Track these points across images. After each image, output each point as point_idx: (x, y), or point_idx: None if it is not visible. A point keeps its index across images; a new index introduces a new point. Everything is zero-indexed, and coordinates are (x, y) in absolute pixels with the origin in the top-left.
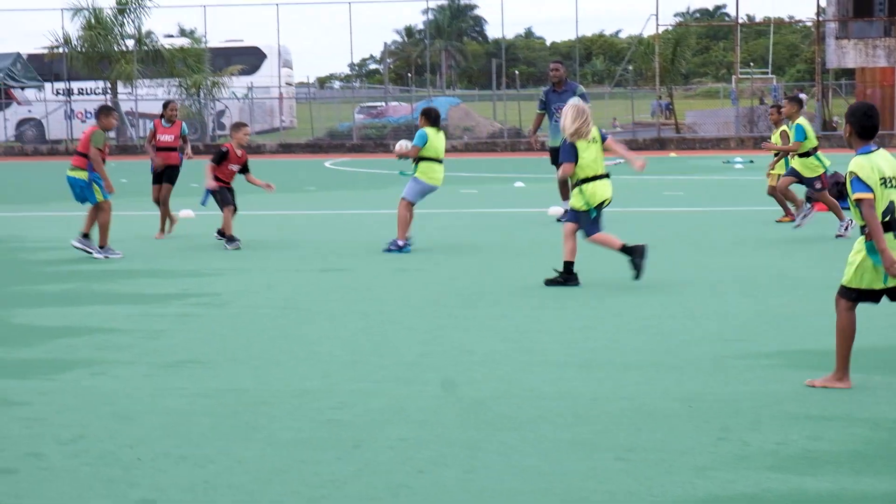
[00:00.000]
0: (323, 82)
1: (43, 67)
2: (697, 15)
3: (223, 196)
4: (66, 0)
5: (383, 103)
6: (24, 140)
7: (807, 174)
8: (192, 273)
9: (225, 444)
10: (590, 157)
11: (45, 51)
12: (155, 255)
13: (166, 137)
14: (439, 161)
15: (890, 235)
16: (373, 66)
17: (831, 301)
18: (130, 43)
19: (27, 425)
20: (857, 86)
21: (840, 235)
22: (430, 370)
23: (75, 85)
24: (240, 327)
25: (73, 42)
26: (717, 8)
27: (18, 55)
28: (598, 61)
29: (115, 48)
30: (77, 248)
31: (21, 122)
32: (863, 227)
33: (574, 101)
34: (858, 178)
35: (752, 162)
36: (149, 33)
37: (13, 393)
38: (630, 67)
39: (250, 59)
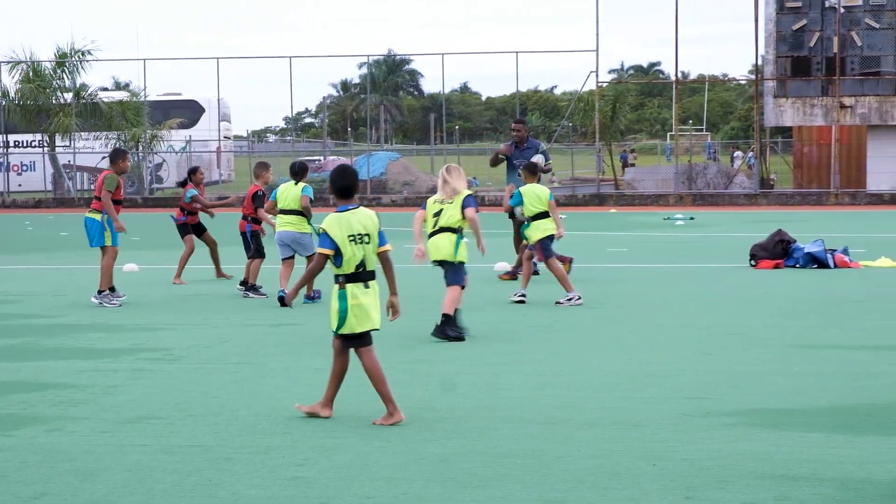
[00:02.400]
0: (260, 136)
1: None
2: (632, 72)
3: (259, 244)
4: (4, 53)
5: (322, 157)
6: None
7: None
8: (142, 327)
9: (189, 502)
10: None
11: None
12: (102, 309)
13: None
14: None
15: None
16: (308, 120)
17: (790, 360)
18: (68, 96)
19: None
20: (795, 144)
21: (559, 302)
22: (392, 426)
23: (12, 137)
24: (196, 382)
25: (11, 95)
26: (652, 65)
27: None
28: (534, 117)
29: (53, 101)
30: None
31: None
32: None
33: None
34: None
35: (692, 219)
36: (85, 86)
37: None
38: (568, 123)
39: (188, 112)
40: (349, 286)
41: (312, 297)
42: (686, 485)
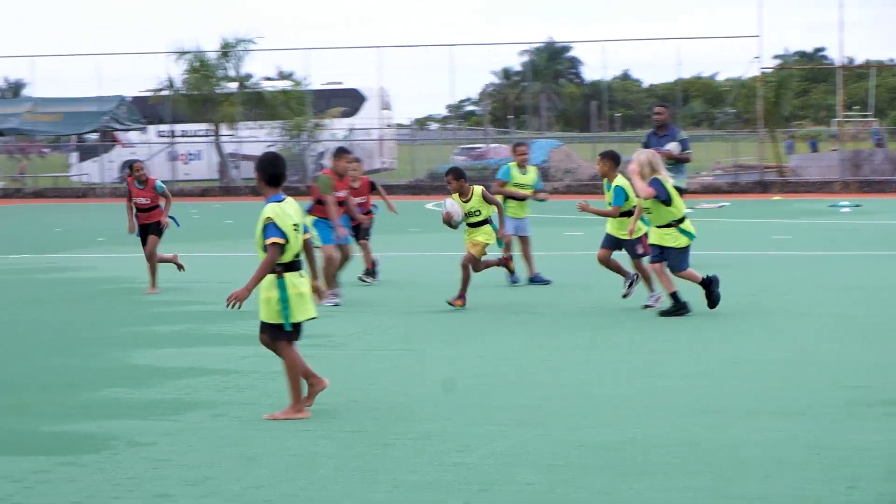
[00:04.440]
0: (421, 124)
1: (146, 110)
2: (796, 57)
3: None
4: (171, 43)
5: (483, 145)
6: None
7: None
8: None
9: (350, 487)
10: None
11: (149, 93)
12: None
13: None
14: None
15: None
16: (469, 108)
17: None
18: (233, 85)
19: (154, 466)
20: None
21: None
22: (552, 414)
23: (178, 127)
24: (357, 368)
25: (177, 85)
26: (817, 50)
27: (122, 98)
28: (696, 103)
29: (218, 91)
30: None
31: (125, 164)
32: None
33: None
34: None
35: (858, 206)
36: (249, 76)
37: (138, 433)
38: (731, 109)
39: (350, 100)
40: (287, 275)
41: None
42: (851, 475)
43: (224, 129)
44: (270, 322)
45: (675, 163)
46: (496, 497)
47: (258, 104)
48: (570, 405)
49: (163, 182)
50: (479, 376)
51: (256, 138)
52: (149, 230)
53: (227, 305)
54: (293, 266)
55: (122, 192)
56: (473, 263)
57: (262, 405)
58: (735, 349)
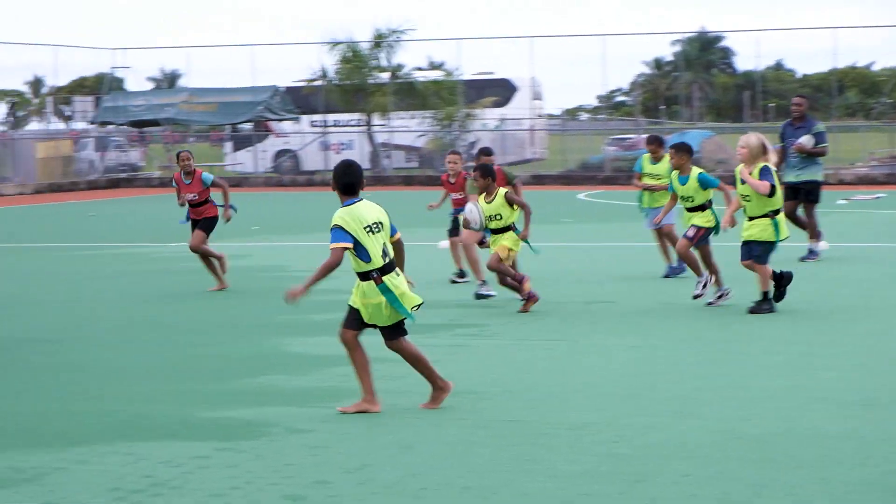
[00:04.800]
0: (572, 114)
1: (299, 100)
2: None
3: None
4: (324, 34)
5: (634, 136)
6: (281, 171)
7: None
8: (458, 303)
9: (506, 476)
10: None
11: (303, 84)
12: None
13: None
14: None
15: None
16: (620, 98)
17: None
18: (385, 76)
19: (313, 453)
20: None
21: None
22: (706, 405)
23: (331, 117)
24: (511, 358)
25: (330, 75)
26: None
27: (276, 88)
28: (852, 94)
29: (370, 81)
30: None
31: (278, 154)
32: None
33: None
34: None
35: None
36: (400, 66)
37: (296, 420)
38: (888, 100)
39: (501, 90)
40: (386, 278)
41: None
42: None
43: (376, 119)
44: (391, 325)
45: (809, 156)
46: (651, 488)
47: (410, 94)
48: (724, 397)
49: (273, 169)
50: (633, 367)
51: (408, 128)
52: (197, 225)
53: (287, 302)
54: (387, 269)
55: (275, 182)
56: (497, 268)
57: (418, 394)
58: (890, 343)
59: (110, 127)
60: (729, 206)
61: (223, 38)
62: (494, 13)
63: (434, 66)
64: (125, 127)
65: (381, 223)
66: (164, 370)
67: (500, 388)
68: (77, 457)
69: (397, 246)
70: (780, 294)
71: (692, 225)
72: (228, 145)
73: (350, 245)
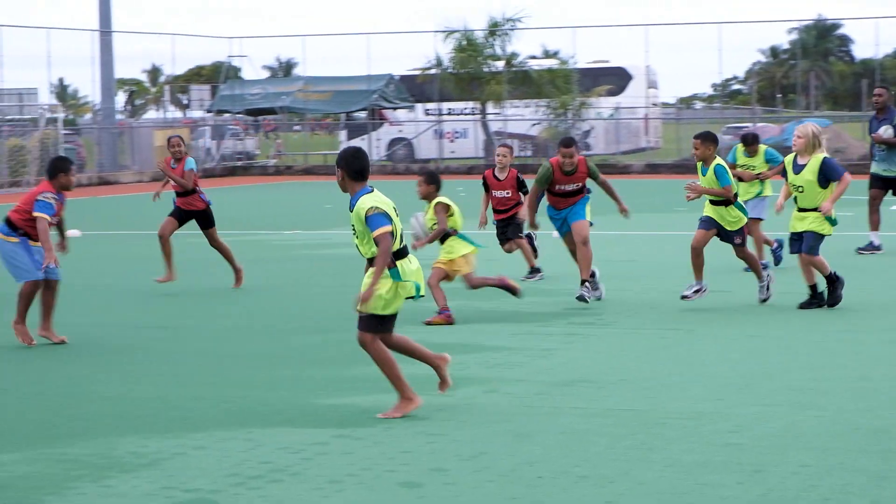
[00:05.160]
0: (687, 103)
1: (414, 88)
2: None
3: (501, 233)
4: (439, 23)
5: (750, 124)
6: (395, 159)
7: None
8: (570, 292)
9: (623, 465)
10: None
11: (417, 72)
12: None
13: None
14: None
15: None
16: (735, 87)
17: None
18: (499, 64)
19: (429, 440)
20: None
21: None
22: (823, 396)
23: (445, 105)
24: (627, 347)
25: (445, 64)
26: None
27: (391, 76)
28: None
29: (485, 69)
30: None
31: (392, 142)
32: None
33: None
34: None
35: None
36: (515, 54)
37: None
38: None
39: (616, 79)
40: (399, 263)
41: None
42: None
43: (490, 108)
44: (371, 314)
45: (889, 147)
46: (770, 478)
47: (524, 83)
48: (843, 387)
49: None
50: (749, 356)
51: (522, 117)
52: (198, 221)
53: (356, 311)
54: (401, 253)
55: (389, 170)
56: (476, 285)
57: (533, 382)
58: None
59: (226, 115)
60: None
61: (339, 27)
62: (609, 1)
63: (548, 55)
64: (241, 115)
65: (395, 208)
66: (281, 357)
67: (615, 377)
68: (196, 442)
69: None
70: (832, 297)
71: (738, 230)
72: (343, 133)
73: (391, 228)
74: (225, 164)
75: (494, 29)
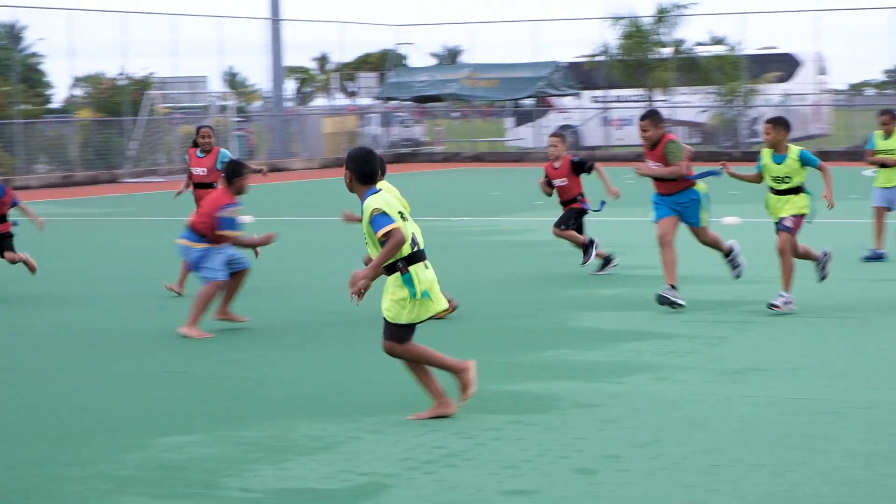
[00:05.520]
0: (857, 89)
1: (580, 75)
2: None
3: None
4: (606, 9)
5: None
6: None
7: None
8: (748, 280)
9: (800, 455)
10: None
11: (584, 59)
12: (700, 262)
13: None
14: None
15: None
16: None
17: None
18: (667, 51)
19: (601, 427)
20: None
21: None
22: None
23: (612, 92)
24: (801, 335)
25: (612, 50)
26: None
27: (557, 64)
28: None
29: (652, 56)
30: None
31: (559, 129)
32: None
33: None
34: None
35: None
36: (682, 41)
37: (583, 395)
38: None
39: (785, 65)
40: (413, 268)
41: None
42: None
43: (657, 95)
44: (399, 323)
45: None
46: None
47: (692, 69)
48: None
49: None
50: None
51: (689, 104)
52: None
53: (351, 298)
54: (415, 258)
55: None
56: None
57: (706, 370)
58: None
59: (393, 102)
60: (827, 185)
61: (505, 14)
62: None
63: (716, 41)
64: (408, 102)
65: (405, 211)
66: (454, 343)
67: (790, 365)
68: (370, 426)
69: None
70: None
71: (789, 216)
72: (510, 121)
73: (398, 225)
74: (393, 150)
75: (662, 15)
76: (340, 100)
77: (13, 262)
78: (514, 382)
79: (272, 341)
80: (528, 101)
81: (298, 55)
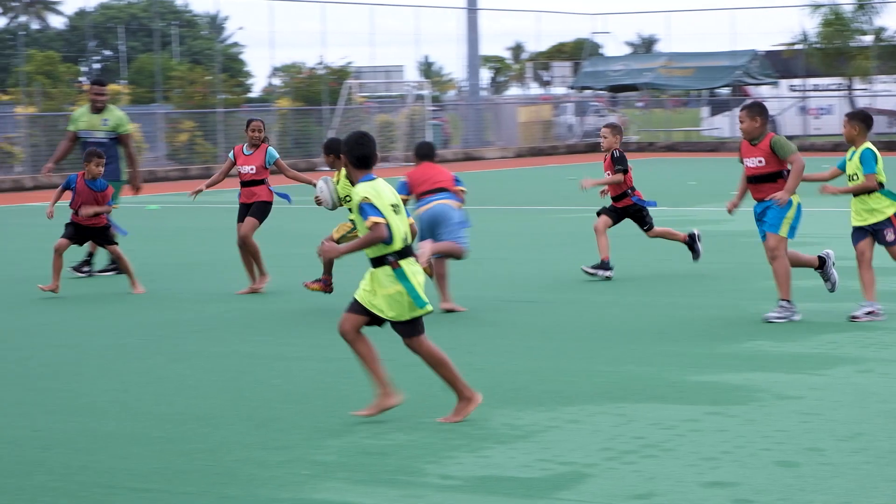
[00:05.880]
0: None
1: (778, 64)
2: None
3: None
4: None
5: None
6: None
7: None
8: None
9: None
10: None
11: (782, 47)
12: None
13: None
14: None
15: None
16: None
17: None
18: (868, 38)
19: (803, 420)
20: None
21: None
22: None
23: (811, 81)
24: None
25: (811, 38)
26: None
27: (755, 52)
28: None
29: (852, 44)
30: None
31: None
32: None
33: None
34: None
35: None
36: (884, 28)
37: (785, 387)
38: None
39: None
40: (403, 263)
41: None
42: None
43: (857, 83)
44: (403, 320)
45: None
46: None
47: (893, 57)
48: None
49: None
50: None
51: (890, 92)
52: (248, 209)
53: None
54: (405, 253)
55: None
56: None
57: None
58: None
59: (587, 92)
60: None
61: (702, 2)
62: None
63: None
64: (603, 91)
65: (399, 205)
66: (650, 332)
67: None
68: (568, 416)
69: (411, 229)
70: None
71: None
72: (706, 110)
73: (383, 220)
74: (588, 140)
75: (863, 2)
76: (534, 89)
77: (117, 256)
78: (714, 373)
79: (467, 329)
80: (724, 91)
81: (493, 44)
